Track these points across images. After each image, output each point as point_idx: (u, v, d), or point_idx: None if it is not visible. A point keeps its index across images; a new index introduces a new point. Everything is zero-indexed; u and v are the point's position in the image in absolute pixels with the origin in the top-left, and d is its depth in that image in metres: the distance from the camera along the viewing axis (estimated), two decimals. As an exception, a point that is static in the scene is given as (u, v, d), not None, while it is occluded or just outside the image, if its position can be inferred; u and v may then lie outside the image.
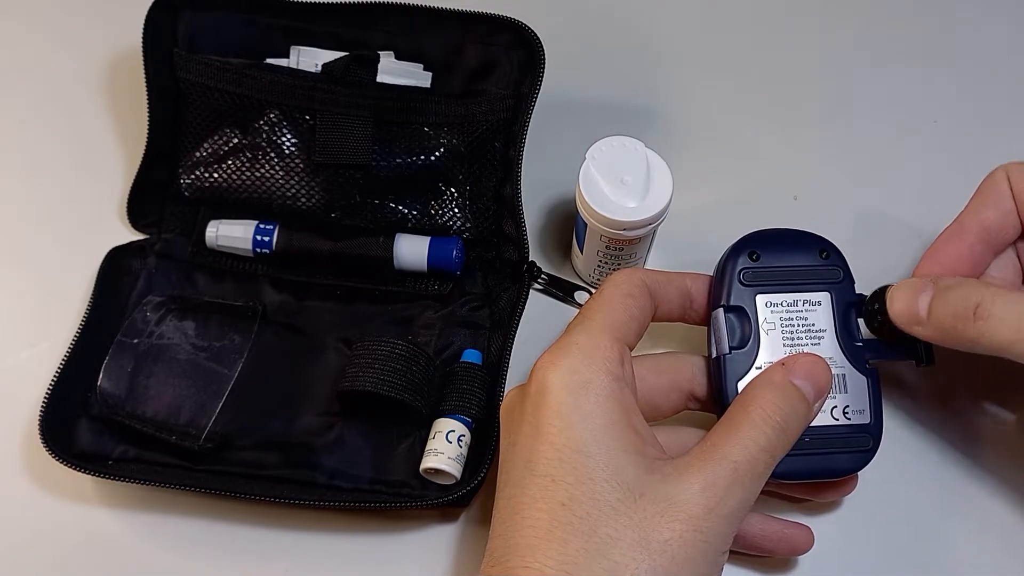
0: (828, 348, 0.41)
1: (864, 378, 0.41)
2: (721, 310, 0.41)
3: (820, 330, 0.41)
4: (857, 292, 0.42)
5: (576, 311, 0.52)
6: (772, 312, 0.41)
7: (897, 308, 0.40)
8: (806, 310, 0.41)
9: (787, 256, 0.42)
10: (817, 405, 0.39)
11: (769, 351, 0.41)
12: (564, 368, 0.37)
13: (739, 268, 0.42)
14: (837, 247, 0.43)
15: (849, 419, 0.41)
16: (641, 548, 0.33)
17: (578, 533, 0.34)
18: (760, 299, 0.42)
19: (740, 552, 0.43)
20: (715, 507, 0.34)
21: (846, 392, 0.41)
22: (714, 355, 0.42)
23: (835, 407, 0.41)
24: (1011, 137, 0.57)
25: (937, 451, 0.47)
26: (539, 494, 0.35)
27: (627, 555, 0.33)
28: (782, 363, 0.39)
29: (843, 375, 0.41)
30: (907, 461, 0.47)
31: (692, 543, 0.34)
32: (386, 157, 0.51)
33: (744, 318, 0.41)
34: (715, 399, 0.42)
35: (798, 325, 0.41)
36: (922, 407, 0.48)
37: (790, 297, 0.42)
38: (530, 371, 0.38)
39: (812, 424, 0.39)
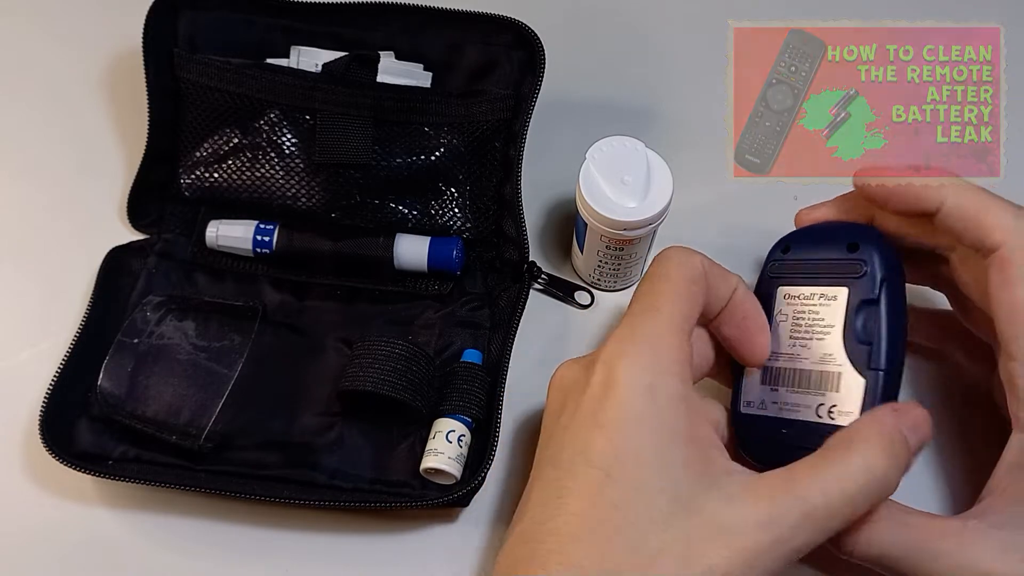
0: (831, 344, 0.40)
1: (862, 380, 0.39)
2: None
3: (828, 325, 0.40)
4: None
5: (576, 310, 0.52)
6: (788, 304, 0.42)
7: None
8: (820, 304, 0.41)
9: (814, 249, 0.42)
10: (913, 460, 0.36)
11: (775, 342, 0.42)
12: (634, 366, 0.36)
13: (771, 260, 0.43)
14: (876, 238, 0.41)
15: (833, 419, 0.39)
16: (684, 566, 0.32)
17: (624, 537, 0.33)
18: (780, 291, 0.42)
19: None
20: (772, 546, 0.32)
21: (837, 391, 0.39)
22: None
23: (821, 404, 0.39)
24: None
25: (942, 452, 0.47)
26: (589, 487, 0.34)
27: (669, 570, 0.32)
28: (894, 408, 0.37)
29: (839, 374, 0.40)
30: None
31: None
32: (386, 157, 0.51)
33: (766, 309, 0.42)
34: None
35: (809, 318, 0.41)
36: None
37: (808, 290, 0.42)
38: (595, 354, 0.38)
39: (793, 418, 0.39)
